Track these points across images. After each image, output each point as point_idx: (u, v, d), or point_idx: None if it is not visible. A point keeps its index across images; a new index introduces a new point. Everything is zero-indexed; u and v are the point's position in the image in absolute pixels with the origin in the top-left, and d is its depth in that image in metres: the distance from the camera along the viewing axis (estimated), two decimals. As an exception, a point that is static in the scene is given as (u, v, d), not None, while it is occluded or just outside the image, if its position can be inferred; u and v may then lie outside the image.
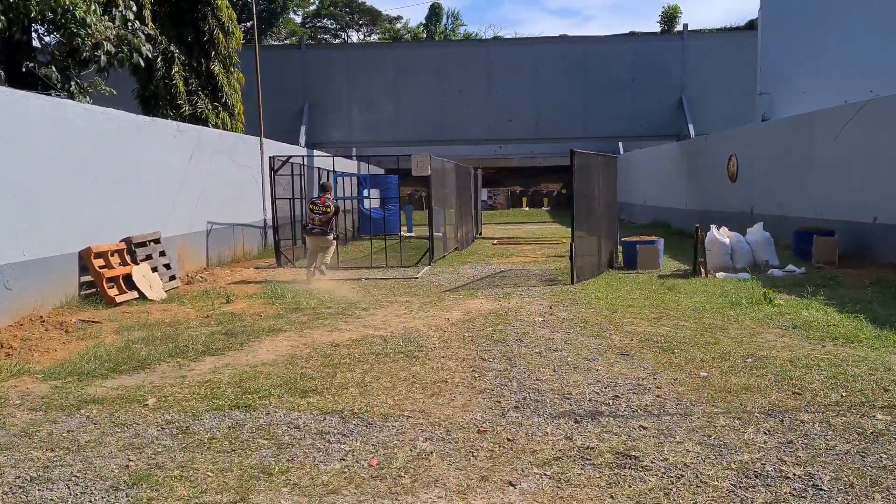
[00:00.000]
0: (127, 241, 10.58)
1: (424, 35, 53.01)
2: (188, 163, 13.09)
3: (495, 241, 20.23)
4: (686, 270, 12.30)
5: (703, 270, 11.52)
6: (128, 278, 10.09)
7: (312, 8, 59.25)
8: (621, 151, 32.45)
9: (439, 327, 8.00)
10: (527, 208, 41.11)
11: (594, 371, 5.99)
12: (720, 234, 12.28)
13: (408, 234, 22.47)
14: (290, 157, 14.83)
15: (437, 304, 9.60)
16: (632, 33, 42.00)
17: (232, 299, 10.08)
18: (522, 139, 24.40)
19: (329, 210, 11.71)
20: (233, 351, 7.07)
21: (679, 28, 24.20)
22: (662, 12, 45.19)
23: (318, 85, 23.87)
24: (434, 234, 14.53)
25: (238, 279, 12.43)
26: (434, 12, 52.28)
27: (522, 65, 23.23)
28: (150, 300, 10.06)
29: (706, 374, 5.80)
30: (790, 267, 11.56)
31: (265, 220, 17.15)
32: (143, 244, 10.97)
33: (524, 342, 7.14)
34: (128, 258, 10.42)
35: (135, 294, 10.04)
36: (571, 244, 11.15)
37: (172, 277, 11.48)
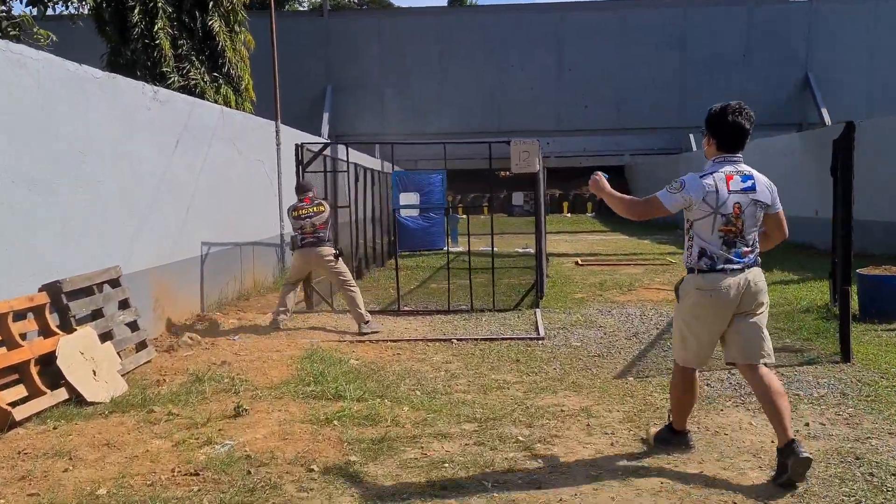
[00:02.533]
0: (52, 288, 5.78)
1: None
2: (172, 151, 8.35)
3: (579, 261, 15.47)
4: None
5: None
6: (50, 362, 5.35)
7: (319, -2, 54.92)
8: (693, 147, 27.64)
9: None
10: (569, 214, 36.32)
11: None
12: None
13: (455, 249, 17.77)
14: (325, 144, 10.08)
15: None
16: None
17: (244, 401, 5.29)
18: (601, 130, 19.57)
19: (322, 209, 8.24)
20: None
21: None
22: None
23: (344, 63, 19.05)
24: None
25: (251, 339, 7.69)
26: (458, -6, 47.29)
27: (603, 36, 18.31)
28: (92, 403, 5.32)
29: None
30: None
31: (282, 235, 12.40)
32: (86, 291, 6.20)
33: None
34: (52, 321, 5.66)
35: (62, 395, 5.30)
36: (834, 286, 6.40)
37: (142, 345, 6.72)
